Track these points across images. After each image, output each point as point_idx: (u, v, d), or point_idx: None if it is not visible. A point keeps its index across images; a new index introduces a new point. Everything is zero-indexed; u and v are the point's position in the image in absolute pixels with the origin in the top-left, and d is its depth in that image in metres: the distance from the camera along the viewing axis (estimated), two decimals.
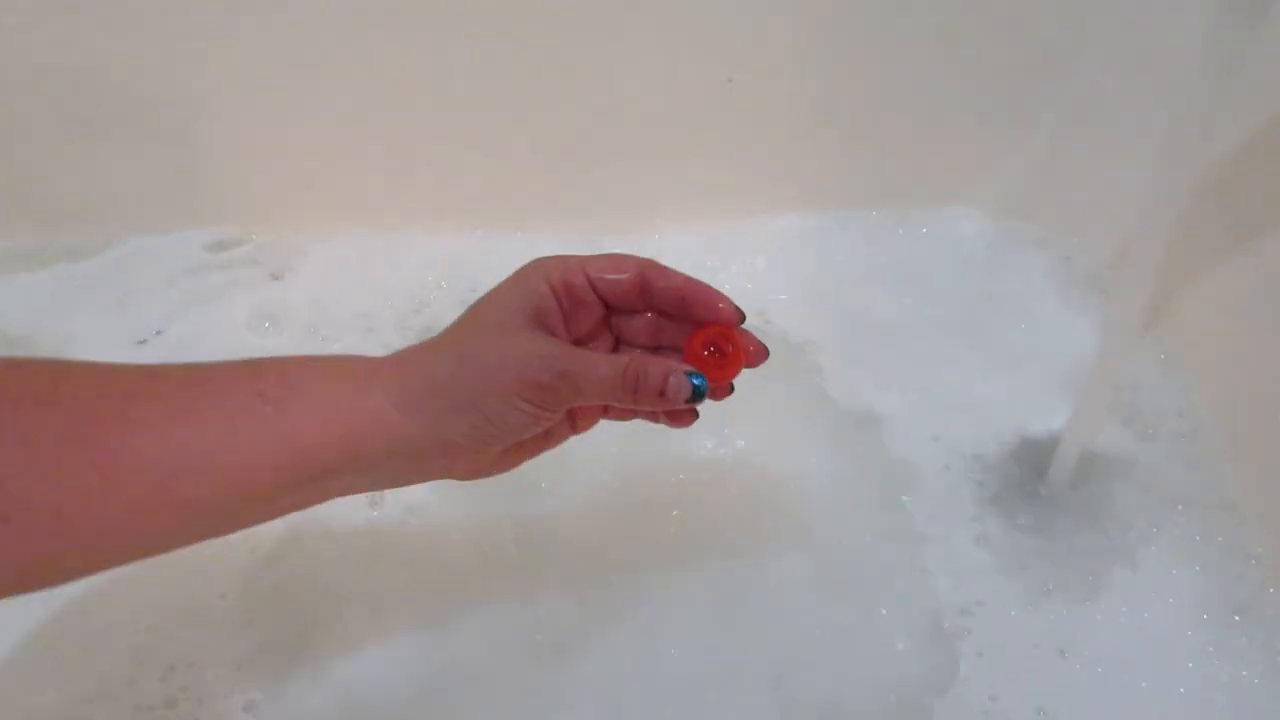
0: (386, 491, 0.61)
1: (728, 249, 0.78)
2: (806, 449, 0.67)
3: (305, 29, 0.72)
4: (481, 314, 0.41)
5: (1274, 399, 0.62)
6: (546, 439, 0.44)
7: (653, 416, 0.43)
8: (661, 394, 0.39)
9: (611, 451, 0.64)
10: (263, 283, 0.78)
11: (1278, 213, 0.62)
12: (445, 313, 0.73)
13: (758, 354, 0.42)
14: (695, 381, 0.39)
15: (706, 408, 0.41)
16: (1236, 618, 0.58)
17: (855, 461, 0.66)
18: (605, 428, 0.45)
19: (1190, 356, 0.69)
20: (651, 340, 0.44)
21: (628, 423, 0.44)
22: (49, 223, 0.80)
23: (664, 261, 0.42)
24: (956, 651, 0.57)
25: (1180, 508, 0.63)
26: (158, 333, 0.74)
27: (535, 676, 0.56)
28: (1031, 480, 0.64)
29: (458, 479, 0.43)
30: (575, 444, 0.45)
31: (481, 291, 0.41)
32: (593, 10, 0.71)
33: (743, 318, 0.41)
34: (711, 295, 0.41)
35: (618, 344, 0.44)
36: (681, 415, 0.42)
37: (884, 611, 0.59)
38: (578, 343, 0.42)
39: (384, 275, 0.77)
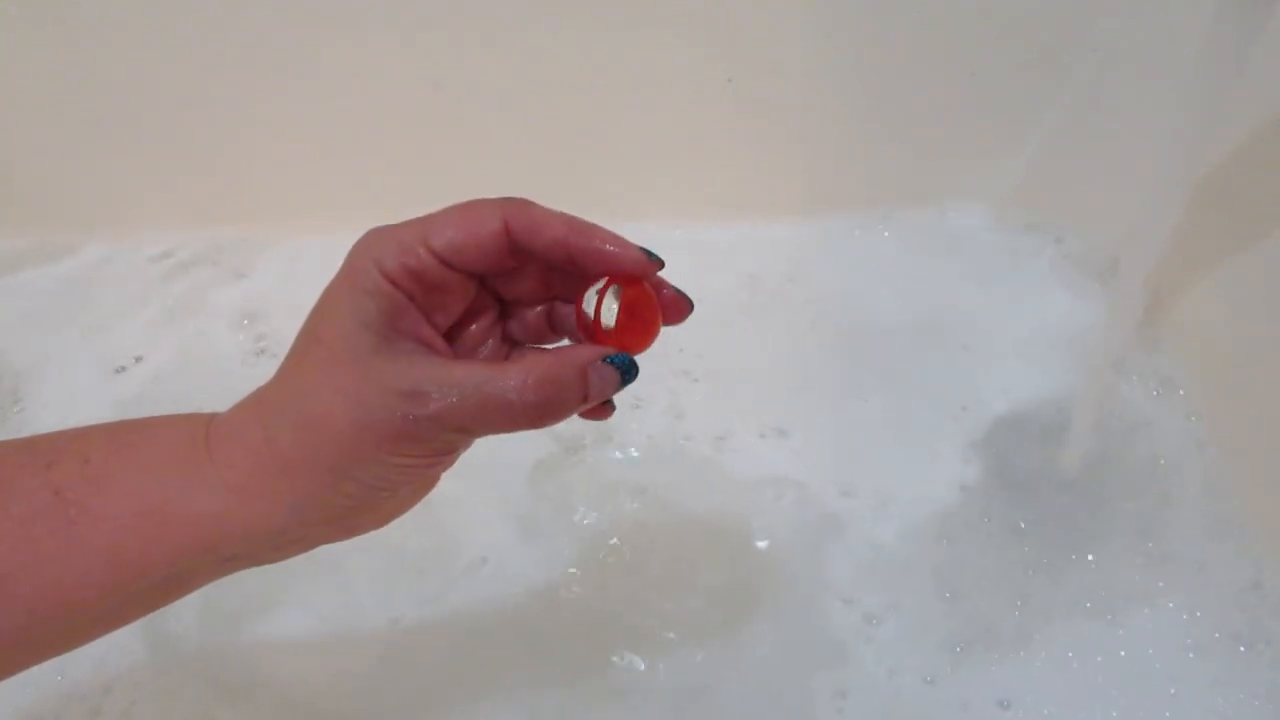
0: None
1: (728, 250, 0.78)
2: (792, 454, 0.67)
3: (276, 29, 0.72)
4: (313, 342, 0.31)
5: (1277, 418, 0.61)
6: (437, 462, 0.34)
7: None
8: (585, 398, 0.30)
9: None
10: (230, 283, 0.77)
11: (1278, 213, 0.61)
12: None
13: (677, 306, 0.33)
14: (618, 363, 0.30)
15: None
16: (1242, 649, 0.56)
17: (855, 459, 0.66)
18: None
19: (1189, 365, 0.69)
20: (545, 294, 0.34)
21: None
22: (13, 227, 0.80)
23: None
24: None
25: (1179, 525, 0.61)
26: (137, 359, 0.73)
27: None
28: (1024, 497, 0.64)
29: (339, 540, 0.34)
30: None
31: None
32: (592, 10, 0.71)
33: (652, 265, 0.31)
34: (603, 240, 0.31)
35: (502, 311, 0.35)
36: (599, 409, 0.33)
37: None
38: (453, 333, 0.33)
39: None
